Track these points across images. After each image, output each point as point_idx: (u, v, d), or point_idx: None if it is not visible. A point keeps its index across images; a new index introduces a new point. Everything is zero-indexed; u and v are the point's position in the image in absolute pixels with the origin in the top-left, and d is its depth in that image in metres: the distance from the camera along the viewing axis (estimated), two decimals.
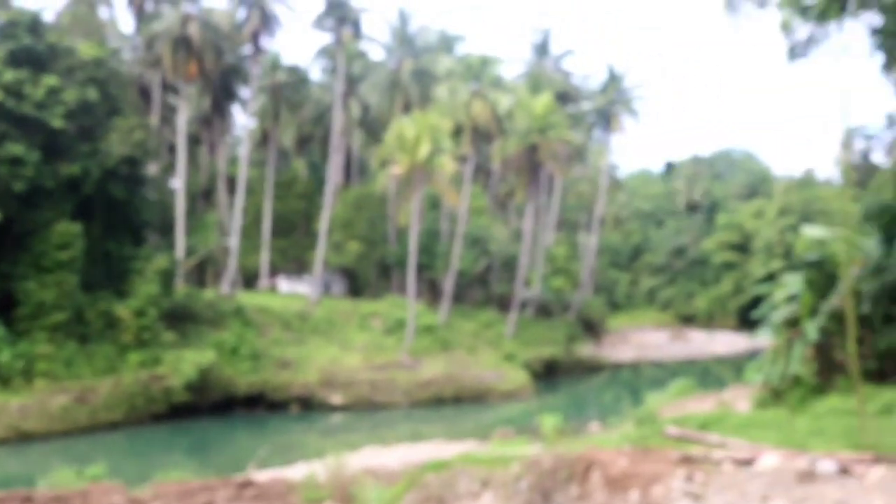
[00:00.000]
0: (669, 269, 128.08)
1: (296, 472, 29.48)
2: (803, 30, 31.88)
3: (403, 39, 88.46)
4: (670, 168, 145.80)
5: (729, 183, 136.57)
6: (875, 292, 34.56)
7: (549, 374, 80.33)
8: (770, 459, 19.10)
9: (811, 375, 36.11)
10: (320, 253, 76.14)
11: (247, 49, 77.48)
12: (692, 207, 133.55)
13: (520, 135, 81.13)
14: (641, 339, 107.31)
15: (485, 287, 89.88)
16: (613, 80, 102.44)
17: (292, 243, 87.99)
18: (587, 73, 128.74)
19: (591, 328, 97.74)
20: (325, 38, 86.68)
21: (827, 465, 18.01)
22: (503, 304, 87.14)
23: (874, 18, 34.23)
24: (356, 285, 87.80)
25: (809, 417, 30.65)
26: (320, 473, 26.36)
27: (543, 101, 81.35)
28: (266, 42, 77.44)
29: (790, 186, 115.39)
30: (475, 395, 67.91)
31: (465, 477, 21.88)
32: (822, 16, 29.31)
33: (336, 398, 63.30)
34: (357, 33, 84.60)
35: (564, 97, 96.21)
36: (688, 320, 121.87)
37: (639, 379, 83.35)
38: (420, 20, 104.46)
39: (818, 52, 32.80)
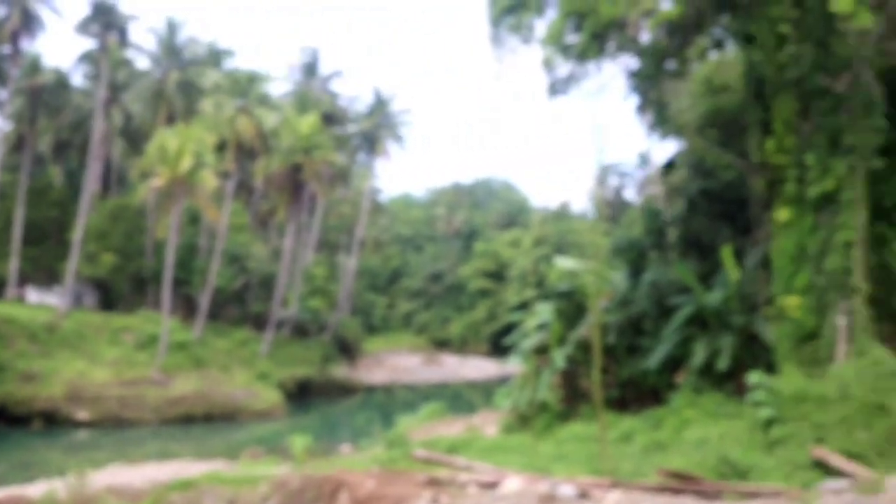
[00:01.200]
0: (426, 294, 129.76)
1: (35, 490, 27.99)
2: (564, 68, 33.06)
3: (171, 50, 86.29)
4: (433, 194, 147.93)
5: (488, 211, 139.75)
6: (620, 324, 36.13)
7: (302, 395, 79.89)
8: (513, 483, 19.54)
9: (557, 402, 37.32)
10: (73, 263, 73.14)
11: (5, 49, 73.89)
12: (452, 234, 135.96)
13: (284, 153, 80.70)
14: (396, 363, 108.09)
15: (242, 305, 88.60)
16: (380, 103, 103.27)
17: (44, 252, 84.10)
18: (355, 95, 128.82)
19: (346, 350, 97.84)
20: (90, 44, 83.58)
21: (567, 490, 18.57)
22: (259, 322, 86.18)
23: (631, 61, 35.92)
24: (110, 298, 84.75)
25: (554, 443, 31.64)
26: (60, 491, 25.19)
27: (309, 120, 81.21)
28: (26, 43, 74.19)
29: (546, 218, 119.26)
30: (227, 413, 66.68)
31: (210, 496, 21.41)
32: (582, 55, 30.49)
33: (82, 414, 60.76)
34: (123, 40, 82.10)
35: (331, 118, 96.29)
36: (442, 345, 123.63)
37: (392, 402, 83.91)
38: (189, 32, 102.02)
39: (577, 90, 34.04)
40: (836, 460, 22.24)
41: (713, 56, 38.84)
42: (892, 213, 30.30)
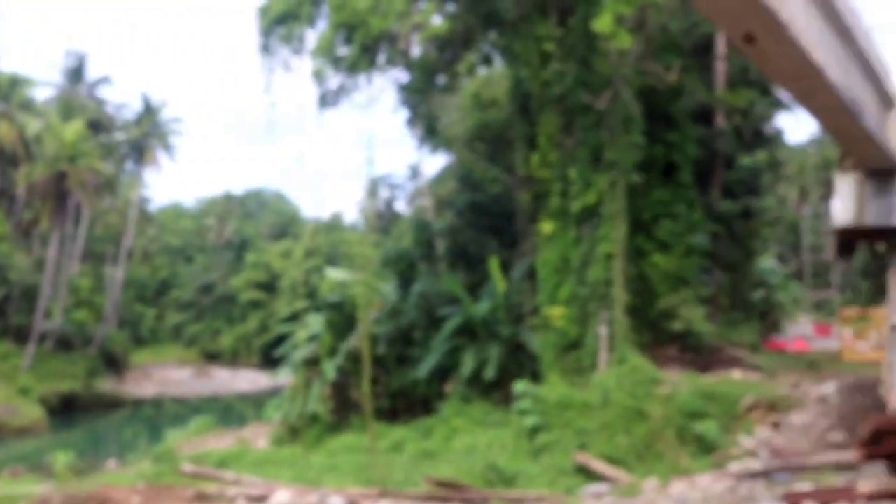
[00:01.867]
0: (196, 306, 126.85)
1: None
2: (335, 79, 32.99)
3: None
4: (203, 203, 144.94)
5: (260, 222, 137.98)
6: (391, 334, 36.27)
7: (67, 410, 76.54)
8: (282, 496, 19.33)
9: (328, 413, 37.08)
10: None
11: None
12: (223, 245, 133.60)
13: (48, 161, 77.31)
14: (165, 376, 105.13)
15: (2, 317, 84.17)
16: (149, 111, 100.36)
17: None
18: (123, 102, 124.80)
19: (113, 363, 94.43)
20: None
21: (336, 501, 18.49)
22: (21, 335, 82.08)
23: (401, 75, 36.22)
24: None
25: (325, 454, 31.39)
26: None
27: (74, 128, 78.12)
28: None
29: (318, 229, 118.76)
30: None
31: None
32: (353, 68, 30.49)
33: None
34: None
35: (97, 125, 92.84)
36: (213, 357, 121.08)
37: (161, 415, 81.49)
38: None
39: (349, 102, 34.03)
40: (598, 465, 22.96)
41: (482, 71, 39.64)
42: (651, 227, 31.60)
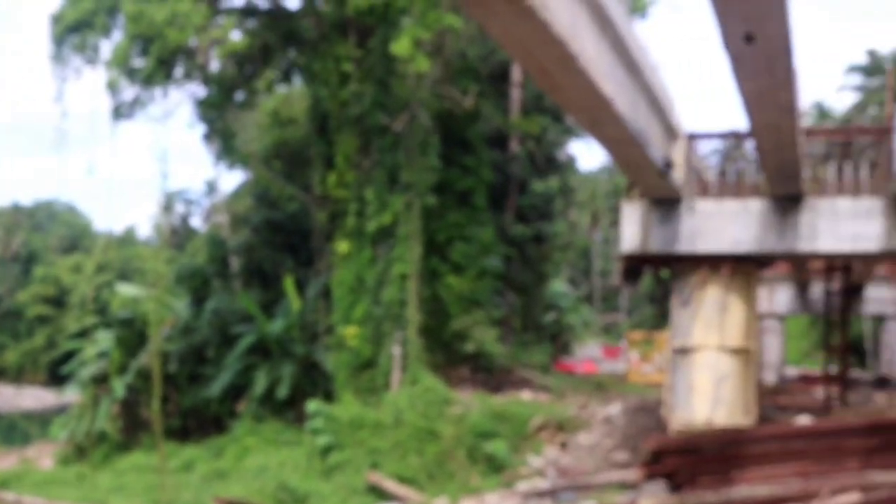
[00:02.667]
0: None
1: None
2: (130, 91, 32.20)
3: None
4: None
5: (49, 235, 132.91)
6: (183, 352, 35.56)
7: None
8: None
9: (117, 432, 36.06)
10: None
11: None
12: (9, 258, 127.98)
13: None
14: None
15: None
16: None
17: None
18: None
19: None
20: None
21: None
22: None
23: (199, 89, 35.65)
24: None
25: (113, 474, 30.52)
26: None
27: None
28: None
29: (110, 243, 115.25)
30: None
31: None
32: (149, 80, 29.83)
33: None
34: None
35: None
36: None
37: None
38: None
39: (144, 115, 33.27)
40: (389, 485, 23.12)
41: (282, 89, 39.42)
42: (445, 249, 32.05)
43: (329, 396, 30.58)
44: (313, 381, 33.00)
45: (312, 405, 27.83)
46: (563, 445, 26.41)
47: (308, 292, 34.31)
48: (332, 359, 31.36)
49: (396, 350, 29.63)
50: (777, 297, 43.98)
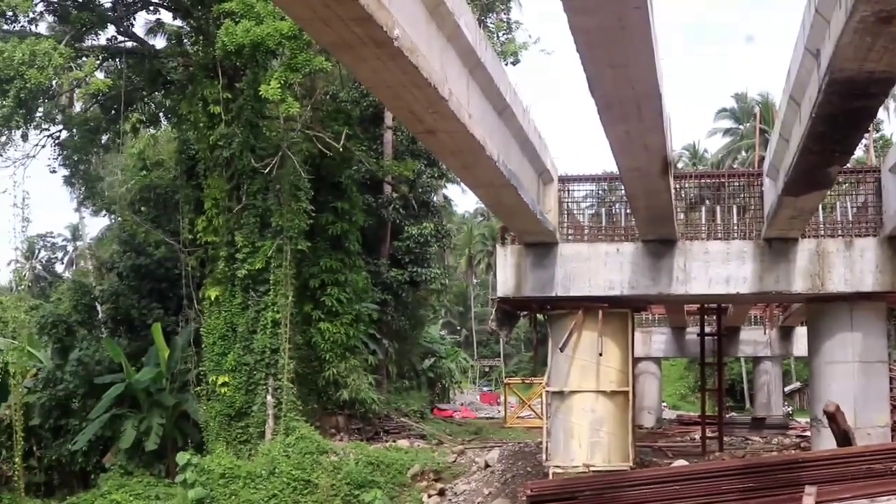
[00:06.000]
0: None
1: None
2: None
3: None
4: None
5: None
6: (46, 404, 34.21)
7: None
8: None
9: None
10: None
11: None
12: None
13: None
14: None
15: None
16: None
17: None
18: None
19: None
20: None
21: None
22: None
23: (61, 131, 34.55)
24: None
25: None
26: None
27: None
28: None
29: None
30: None
31: None
32: (7, 122, 28.68)
33: None
34: None
35: None
36: None
37: None
38: None
39: (1, 158, 32.00)
40: None
41: (148, 131, 38.54)
42: (318, 294, 31.60)
43: (200, 447, 29.79)
44: (184, 431, 32.12)
45: (183, 457, 27.14)
46: (442, 493, 26.14)
47: (178, 340, 33.41)
48: (203, 408, 30.53)
49: (269, 399, 29.01)
50: (654, 340, 44.68)
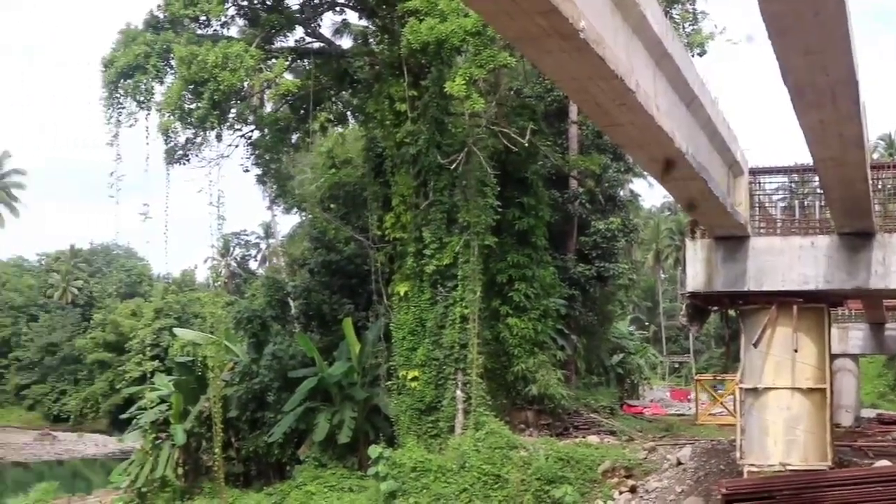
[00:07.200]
0: (41, 367, 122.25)
1: None
2: (184, 134, 32.08)
3: None
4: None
5: (107, 279, 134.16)
6: (243, 397, 35.27)
7: None
8: None
9: (178, 478, 35.83)
10: None
11: None
12: (68, 303, 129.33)
13: None
14: (5, 440, 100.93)
15: None
16: None
17: None
18: None
19: None
20: None
21: None
22: None
23: (253, 131, 35.57)
24: None
25: None
26: None
27: None
28: None
29: (168, 287, 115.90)
30: None
31: None
32: (202, 123, 29.68)
33: None
34: None
35: None
36: (59, 420, 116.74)
37: (1, 483, 77.94)
38: None
39: (198, 158, 33.09)
40: None
41: (336, 130, 39.33)
42: (506, 289, 31.61)
43: (391, 441, 30.14)
44: (375, 425, 32.56)
45: (375, 450, 27.55)
46: (633, 490, 25.75)
47: (367, 335, 33.92)
48: (393, 403, 30.92)
49: (459, 393, 29.15)
50: (850, 336, 43.04)
